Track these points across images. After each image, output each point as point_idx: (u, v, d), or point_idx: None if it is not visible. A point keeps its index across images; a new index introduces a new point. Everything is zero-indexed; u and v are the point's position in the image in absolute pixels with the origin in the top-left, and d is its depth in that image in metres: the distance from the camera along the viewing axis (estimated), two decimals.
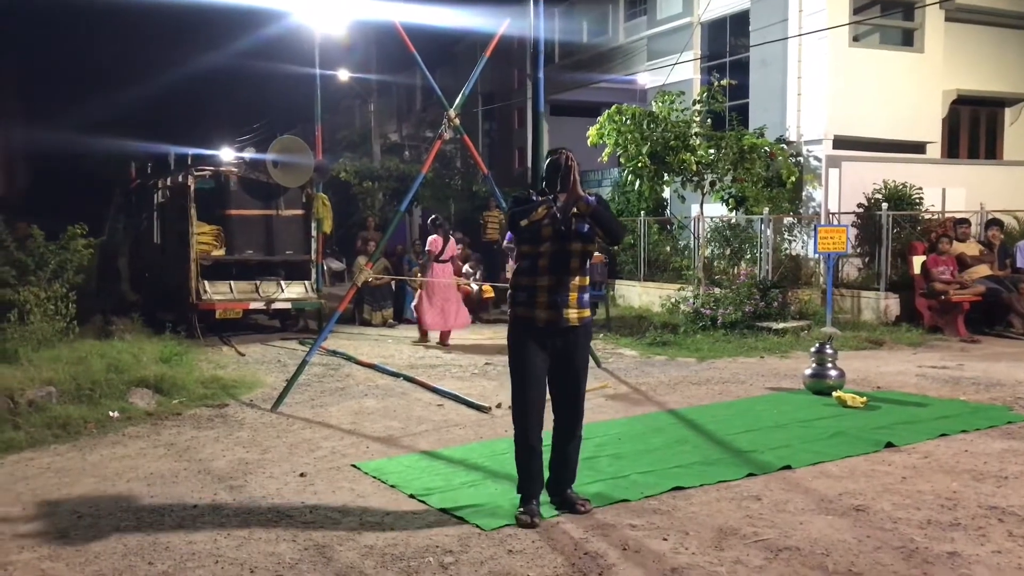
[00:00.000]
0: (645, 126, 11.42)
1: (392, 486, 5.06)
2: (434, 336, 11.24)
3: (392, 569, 3.81)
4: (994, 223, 11.56)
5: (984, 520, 4.26)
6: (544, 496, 4.60)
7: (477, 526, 4.32)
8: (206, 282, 11.89)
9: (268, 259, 12.57)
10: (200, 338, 11.39)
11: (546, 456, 4.62)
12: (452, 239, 11.43)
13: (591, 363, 9.03)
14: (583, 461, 5.45)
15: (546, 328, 4.43)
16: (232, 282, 12.17)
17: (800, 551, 3.89)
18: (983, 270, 11.04)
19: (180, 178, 12.47)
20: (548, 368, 4.53)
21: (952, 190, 13.20)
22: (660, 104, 11.74)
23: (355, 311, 13.52)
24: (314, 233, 12.92)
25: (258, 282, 12.33)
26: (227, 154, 14.72)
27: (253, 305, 12.21)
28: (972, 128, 15.18)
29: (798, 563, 3.76)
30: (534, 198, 4.48)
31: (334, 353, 10.15)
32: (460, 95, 8.19)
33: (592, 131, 12.10)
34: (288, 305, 12.54)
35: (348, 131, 27.77)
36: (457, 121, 8.06)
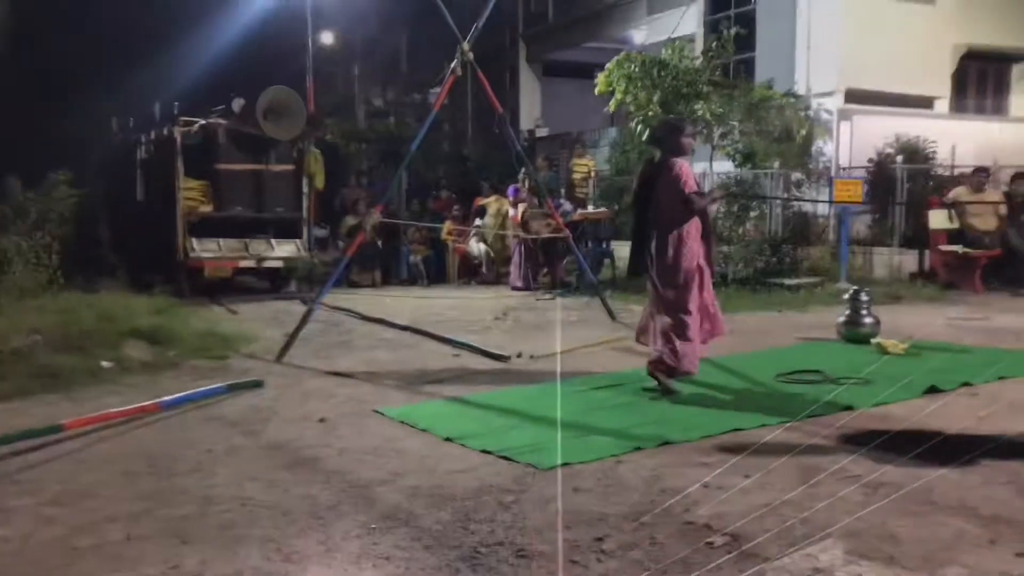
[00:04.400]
0: (655, 74, 10.95)
1: (424, 430, 4.62)
2: None
3: (445, 510, 3.37)
4: (1021, 176, 11.18)
5: None
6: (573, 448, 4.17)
7: (531, 465, 3.89)
8: (194, 240, 11.33)
9: (258, 216, 11.97)
10: (188, 298, 10.83)
11: None
12: None
13: (607, 317, 8.76)
14: (627, 405, 5.09)
15: None
16: (220, 240, 11.60)
17: (900, 486, 3.49)
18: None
19: (166, 131, 11.84)
20: None
21: (962, 145, 12.85)
22: (669, 52, 11.28)
23: (343, 273, 12.96)
24: (305, 190, 12.36)
25: (247, 240, 11.76)
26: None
27: (243, 264, 11.64)
28: (979, 84, 14.87)
29: (901, 498, 3.36)
30: None
31: (337, 308, 9.64)
32: (473, 28, 7.67)
33: (601, 78, 11.58)
34: (279, 264, 11.97)
35: (331, 95, 26.98)
36: (471, 55, 7.55)
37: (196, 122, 11.80)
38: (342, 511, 3.38)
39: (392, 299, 11.26)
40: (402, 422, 4.79)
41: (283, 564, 2.91)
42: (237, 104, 11.87)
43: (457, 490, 3.59)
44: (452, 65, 7.59)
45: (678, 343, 5.33)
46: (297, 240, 12.11)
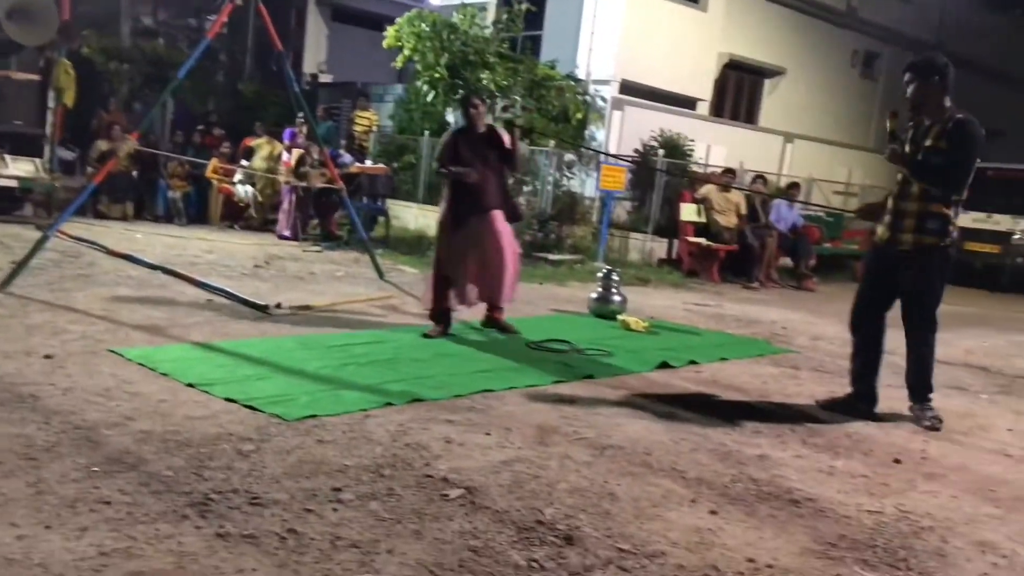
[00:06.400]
0: (445, 36, 10.96)
1: (164, 374, 4.37)
2: None
3: (179, 456, 3.22)
4: (759, 178, 12.45)
5: (780, 429, 4.43)
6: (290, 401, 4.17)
7: (277, 416, 3.81)
8: None
9: None
10: None
11: None
12: None
13: (375, 275, 8.72)
14: (384, 362, 5.10)
15: None
16: None
17: (623, 449, 3.80)
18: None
19: None
20: None
21: (716, 147, 14.07)
22: (461, 17, 11.32)
23: (91, 202, 11.89)
24: (51, 105, 11.16)
25: None
26: None
27: None
28: (737, 92, 16.27)
29: (623, 460, 3.66)
30: None
31: (79, 240, 8.80)
32: None
33: (390, 32, 11.41)
34: (13, 183, 10.76)
35: (92, 5, 24.44)
36: None
37: None
38: (60, 453, 3.13)
39: (144, 235, 10.51)
40: (141, 364, 4.50)
41: None
42: None
43: (194, 436, 3.44)
44: None
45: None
46: (37, 159, 10.94)
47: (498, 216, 6.11)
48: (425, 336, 5.91)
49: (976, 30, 20.50)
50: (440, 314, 6.11)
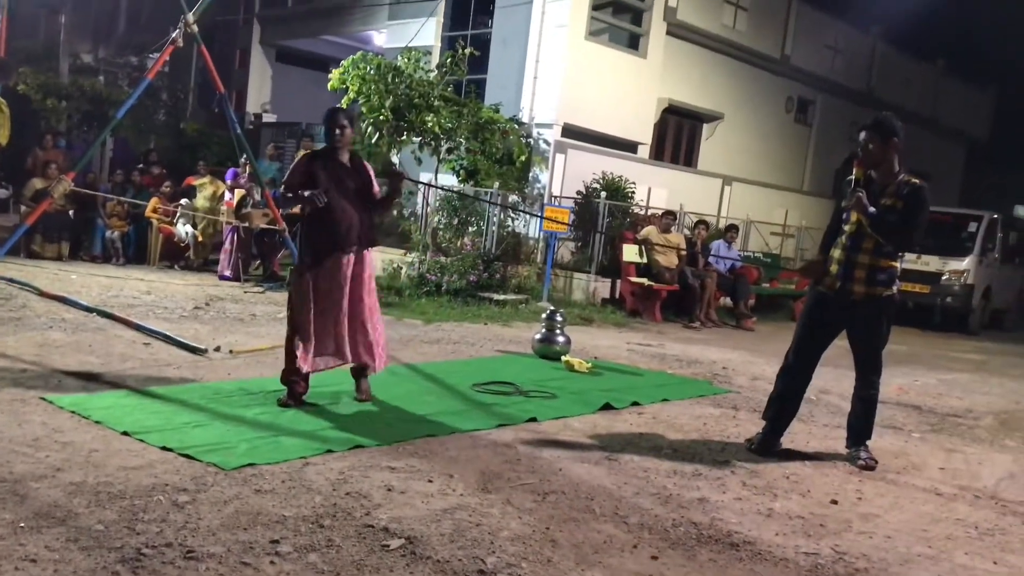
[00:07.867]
0: (390, 79, 11.03)
1: (98, 422, 4.26)
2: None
3: (111, 509, 3.13)
4: (702, 223, 12.75)
5: (720, 471, 4.49)
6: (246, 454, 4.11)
7: (214, 464, 3.73)
8: None
9: None
10: None
11: None
12: None
13: None
14: (325, 407, 5.05)
15: None
16: None
17: (565, 494, 3.81)
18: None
19: None
20: None
21: (656, 189, 14.34)
22: (406, 60, 11.42)
23: (24, 241, 11.57)
24: None
25: None
26: None
27: None
28: (676, 136, 16.65)
29: (566, 505, 3.67)
30: None
31: (10, 281, 8.57)
32: (202, 1, 7.25)
33: (335, 74, 11.45)
34: None
35: (29, 41, 24.04)
36: (195, 28, 7.12)
37: None
38: None
39: (80, 276, 10.25)
40: (73, 412, 4.38)
41: None
42: None
43: (127, 488, 3.35)
44: (173, 34, 7.11)
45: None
46: None
47: (364, 258, 5.11)
48: (279, 403, 4.96)
49: (903, 78, 21.41)
50: (291, 378, 5.02)
